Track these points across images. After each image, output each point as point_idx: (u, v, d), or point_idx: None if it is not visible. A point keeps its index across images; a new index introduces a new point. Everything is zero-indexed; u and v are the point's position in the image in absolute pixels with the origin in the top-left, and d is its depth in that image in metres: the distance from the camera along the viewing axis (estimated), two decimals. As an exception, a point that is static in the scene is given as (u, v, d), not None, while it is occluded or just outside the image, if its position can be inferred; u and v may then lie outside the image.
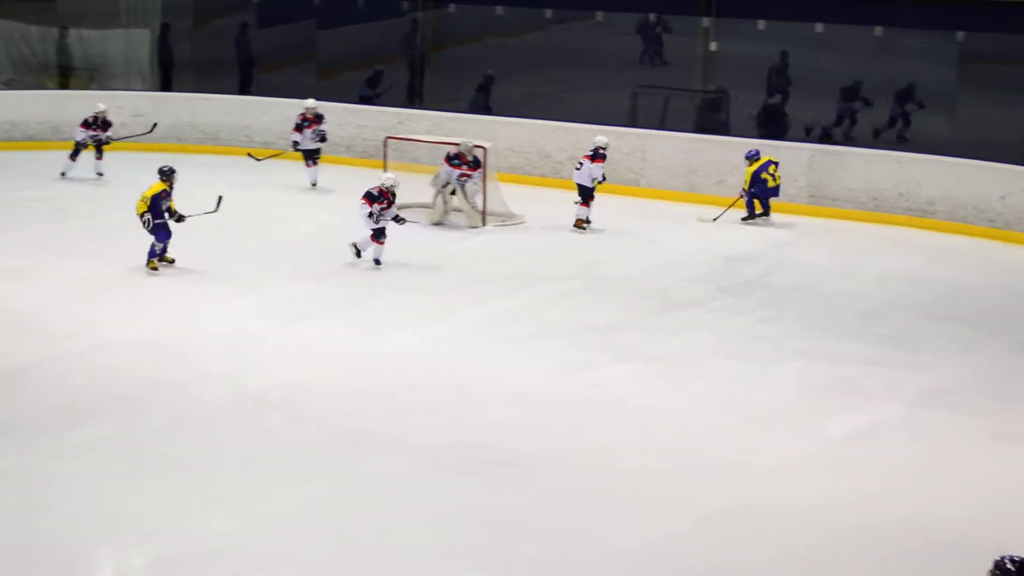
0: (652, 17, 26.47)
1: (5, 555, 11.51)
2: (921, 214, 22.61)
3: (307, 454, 13.60)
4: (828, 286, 19.26)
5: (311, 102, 24.94)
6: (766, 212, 22.73)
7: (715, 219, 22.69)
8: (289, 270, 19.72)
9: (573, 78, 27.12)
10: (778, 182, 22.56)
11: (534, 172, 25.42)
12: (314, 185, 24.96)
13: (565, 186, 24.79)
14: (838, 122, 25.13)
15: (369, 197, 19.86)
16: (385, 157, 23.20)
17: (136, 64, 29.48)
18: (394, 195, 20.04)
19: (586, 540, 11.89)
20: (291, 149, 25.02)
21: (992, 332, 17.65)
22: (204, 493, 12.71)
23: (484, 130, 25.49)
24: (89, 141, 25.14)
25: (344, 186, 23.93)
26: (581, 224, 22.15)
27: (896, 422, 14.71)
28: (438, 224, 22.16)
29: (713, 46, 26.07)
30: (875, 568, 11.60)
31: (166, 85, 29.48)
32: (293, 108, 27.26)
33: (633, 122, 26.08)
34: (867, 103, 24.91)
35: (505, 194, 22.75)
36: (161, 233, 19.29)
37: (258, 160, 25.18)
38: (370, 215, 19.84)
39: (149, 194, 19.08)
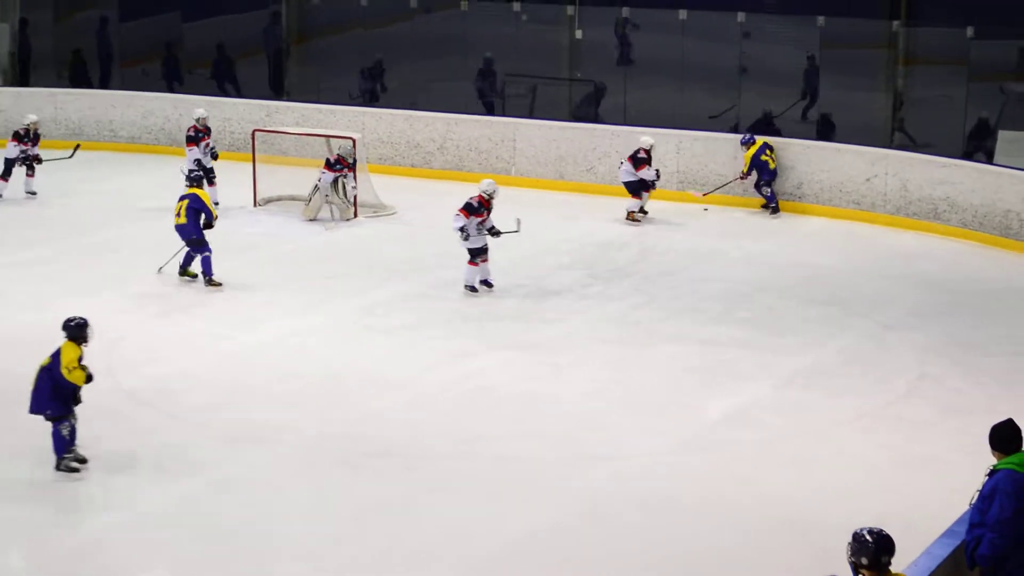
0: (516, 6, 26.47)
1: None
2: (788, 197, 22.87)
3: (183, 449, 13.52)
4: (697, 270, 19.46)
5: (202, 112, 23.50)
6: (774, 204, 22.90)
7: (705, 194, 22.85)
8: (156, 264, 19.51)
9: (440, 67, 27.10)
10: (775, 165, 22.70)
11: (403, 162, 25.37)
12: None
13: (435, 176, 24.85)
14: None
15: (468, 209, 18.15)
16: (253, 150, 23.04)
17: (-5, 59, 29.01)
18: (492, 203, 18.39)
19: (464, 528, 11.95)
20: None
21: (857, 313, 17.92)
22: (78, 492, 12.60)
23: (352, 121, 25.43)
24: (20, 156, 23.37)
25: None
26: (633, 216, 22.22)
27: (767, 403, 14.92)
28: (312, 220, 22.01)
29: (579, 34, 26.17)
30: (747, 546, 11.77)
31: (25, 80, 29.01)
32: (157, 102, 27.07)
33: (502, 111, 26.12)
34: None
35: (375, 185, 22.70)
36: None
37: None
38: (462, 230, 18.16)
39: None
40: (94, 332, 13.12)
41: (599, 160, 23.89)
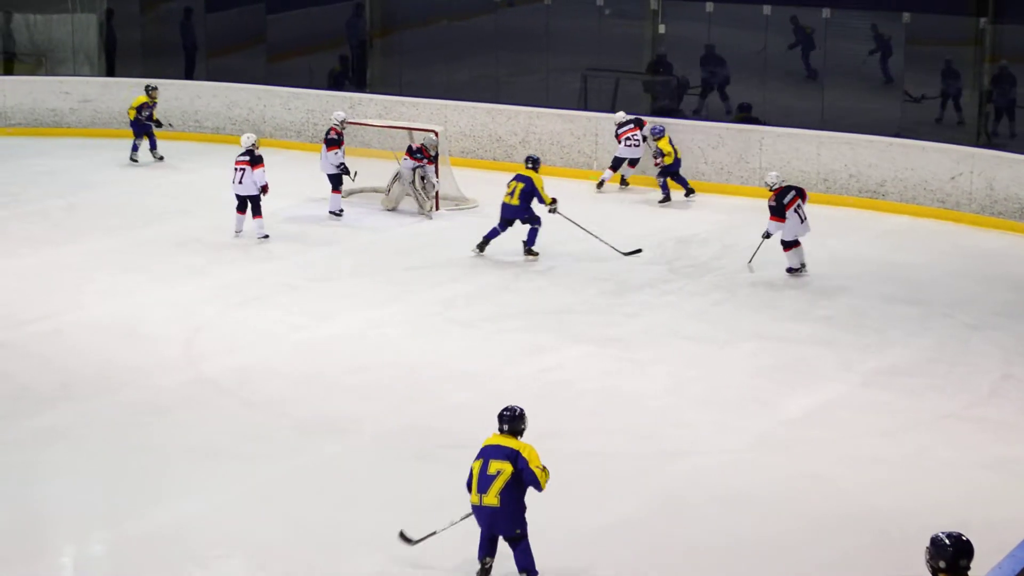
0: (600, 0, 26.42)
1: (-41, 543, 11.49)
2: (872, 195, 22.70)
3: (261, 439, 13.61)
4: (779, 268, 19.32)
5: (342, 113, 22.75)
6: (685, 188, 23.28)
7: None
8: (238, 255, 19.66)
9: (523, 61, 27.10)
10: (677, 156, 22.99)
11: (486, 156, 25.39)
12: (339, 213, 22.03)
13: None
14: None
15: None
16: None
17: (84, 49, 29.26)
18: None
19: (540, 523, 11.91)
20: (346, 173, 21.77)
21: (940, 312, 17.74)
22: (160, 478, 12.72)
23: (436, 114, 25.48)
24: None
25: (294, 171, 23.88)
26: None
27: (847, 402, 14.81)
28: (392, 210, 22.08)
29: (662, 28, 26.08)
30: (825, 546, 11.71)
31: (112, 70, 29.27)
32: (241, 93, 27.22)
33: (584, 105, 26.07)
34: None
35: (457, 178, 22.73)
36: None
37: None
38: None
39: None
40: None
41: (684, 155, 23.77)
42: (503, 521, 10.68)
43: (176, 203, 22.61)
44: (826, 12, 24.53)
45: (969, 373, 15.65)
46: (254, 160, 20.02)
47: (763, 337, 16.69)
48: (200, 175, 24.67)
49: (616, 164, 23.51)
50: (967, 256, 20.41)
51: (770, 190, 19.14)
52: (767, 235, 19.05)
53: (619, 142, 23.47)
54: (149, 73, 28.51)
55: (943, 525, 8.35)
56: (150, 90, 25.27)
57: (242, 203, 20.20)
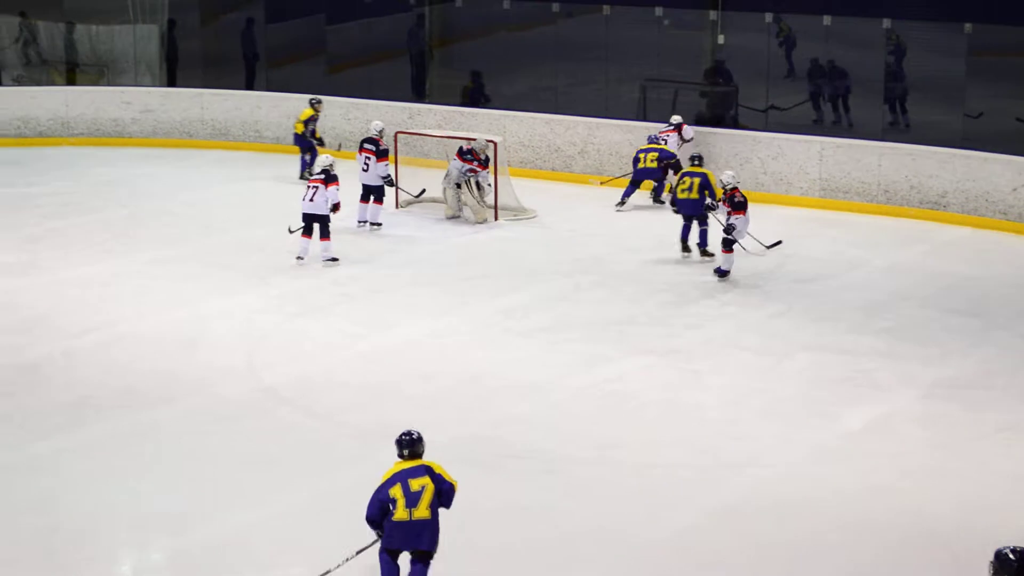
0: (659, 11, 26.39)
1: (21, 550, 11.60)
2: (933, 206, 22.59)
3: (322, 448, 13.68)
4: (839, 279, 19.26)
5: (380, 124, 22.71)
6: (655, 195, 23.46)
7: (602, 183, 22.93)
8: (297, 264, 19.72)
9: (581, 71, 27.12)
10: (646, 164, 22.99)
11: (544, 166, 25.42)
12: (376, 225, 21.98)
13: (575, 180, 24.86)
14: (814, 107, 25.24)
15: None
16: (396, 152, 23.18)
17: (145, 59, 29.48)
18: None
19: (600, 533, 11.94)
20: (391, 184, 22.14)
21: (1000, 325, 17.62)
22: (221, 487, 12.79)
23: (494, 124, 25.52)
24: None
25: (350, 180, 23.95)
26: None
27: (907, 415, 14.73)
28: (453, 217, 22.15)
29: (721, 39, 26.04)
30: (886, 559, 11.65)
31: (173, 81, 29.47)
32: (301, 103, 27.30)
33: (643, 116, 26.05)
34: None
35: (516, 188, 22.76)
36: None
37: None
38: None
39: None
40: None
41: (741, 166, 23.70)
42: (430, 534, 10.69)
43: (237, 213, 22.74)
44: (887, 23, 24.41)
45: (1030, 386, 15.58)
46: (328, 179, 19.71)
47: (822, 349, 16.63)
48: (260, 185, 24.80)
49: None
50: (1029, 268, 20.31)
51: (726, 191, 19.31)
52: (731, 228, 19.18)
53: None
54: (209, 83, 28.70)
55: (1006, 539, 8.31)
56: (315, 103, 25.07)
57: (308, 226, 19.72)
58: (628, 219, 22.55)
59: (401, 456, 10.81)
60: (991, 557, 8.04)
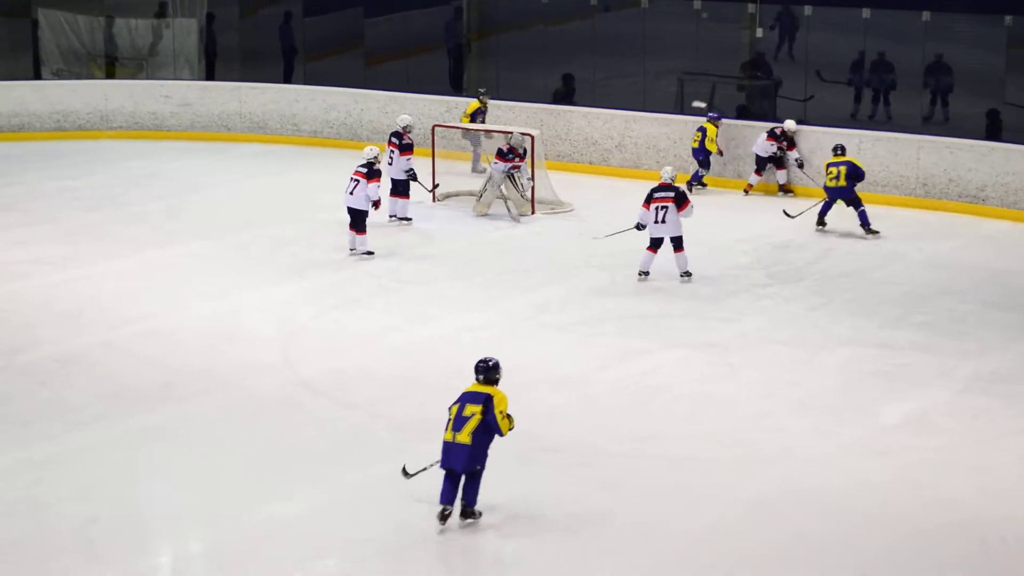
0: (697, 4, 26.33)
1: (61, 541, 11.65)
2: (971, 200, 22.49)
3: (358, 440, 13.71)
4: (876, 273, 19.20)
5: (408, 118, 22.61)
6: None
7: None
8: (333, 257, 19.78)
9: (619, 65, 27.08)
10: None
11: (581, 160, 25.41)
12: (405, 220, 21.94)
13: (612, 173, 24.86)
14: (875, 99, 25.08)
15: None
16: (433, 145, 23.20)
17: (184, 53, 29.58)
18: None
19: (634, 526, 11.93)
20: (414, 179, 21.85)
21: (1041, 318, 17.61)
22: (256, 479, 12.81)
23: (531, 118, 25.51)
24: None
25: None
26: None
27: (945, 409, 14.67)
28: (483, 216, 22.12)
29: (759, 32, 25.98)
30: (921, 552, 11.61)
31: (211, 74, 29.57)
32: (339, 96, 27.41)
33: (680, 109, 26.01)
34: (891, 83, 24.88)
35: (553, 181, 22.75)
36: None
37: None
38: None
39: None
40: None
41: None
42: (468, 458, 11.71)
43: (274, 206, 22.80)
44: (926, 15, 24.29)
45: (1069, 381, 15.49)
46: (371, 174, 19.66)
47: (860, 343, 16.57)
48: (297, 178, 24.89)
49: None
50: (1068, 262, 20.19)
51: (672, 183, 18.92)
52: (640, 227, 18.96)
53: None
54: (247, 77, 28.81)
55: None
56: (482, 95, 25.05)
57: (353, 218, 19.86)
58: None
59: (477, 380, 11.99)
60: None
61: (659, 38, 26.68)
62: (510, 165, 22.01)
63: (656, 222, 18.60)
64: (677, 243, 18.75)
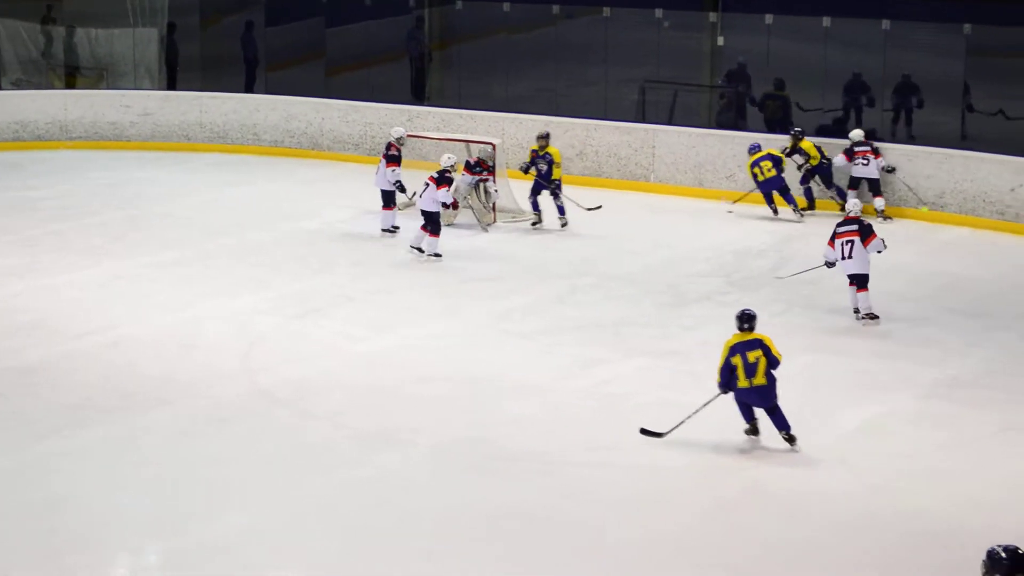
0: (659, 13, 26.39)
1: (18, 552, 11.59)
2: (931, 207, 22.59)
3: (319, 450, 13.65)
4: (836, 280, 19.21)
5: (401, 130, 22.39)
6: (770, 206, 22.87)
7: (730, 211, 22.82)
8: (295, 267, 19.76)
9: (581, 73, 27.12)
10: (768, 175, 22.59)
11: (543, 168, 25.40)
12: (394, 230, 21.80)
13: (574, 182, 24.82)
14: (844, 116, 25.07)
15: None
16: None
17: (144, 63, 29.50)
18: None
19: (598, 534, 11.93)
20: (402, 191, 21.74)
21: (1000, 325, 17.64)
22: (218, 490, 12.77)
23: (493, 126, 25.52)
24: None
25: (351, 184, 24.01)
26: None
27: (906, 415, 14.72)
28: (448, 225, 22.08)
29: (720, 40, 26.05)
30: (883, 559, 11.62)
31: (172, 84, 29.50)
32: (300, 106, 27.36)
33: (642, 117, 26.05)
34: (869, 100, 24.84)
35: (514, 190, 22.75)
36: None
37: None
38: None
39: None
40: None
41: (739, 167, 23.70)
42: (768, 395, 13.53)
43: (235, 216, 22.75)
44: (886, 24, 24.41)
45: (1030, 386, 15.57)
46: (441, 180, 20.18)
47: (820, 350, 16.62)
48: (259, 188, 24.86)
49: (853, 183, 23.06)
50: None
51: (858, 216, 17.97)
52: (830, 264, 18.04)
53: (849, 161, 23.02)
54: (208, 86, 28.77)
55: (1003, 539, 8.30)
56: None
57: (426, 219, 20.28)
58: (625, 221, 22.53)
59: (741, 329, 13.60)
60: (984, 557, 8.04)
61: (621, 46, 26.73)
62: (477, 178, 22.02)
63: (844, 258, 17.68)
64: (861, 281, 17.68)
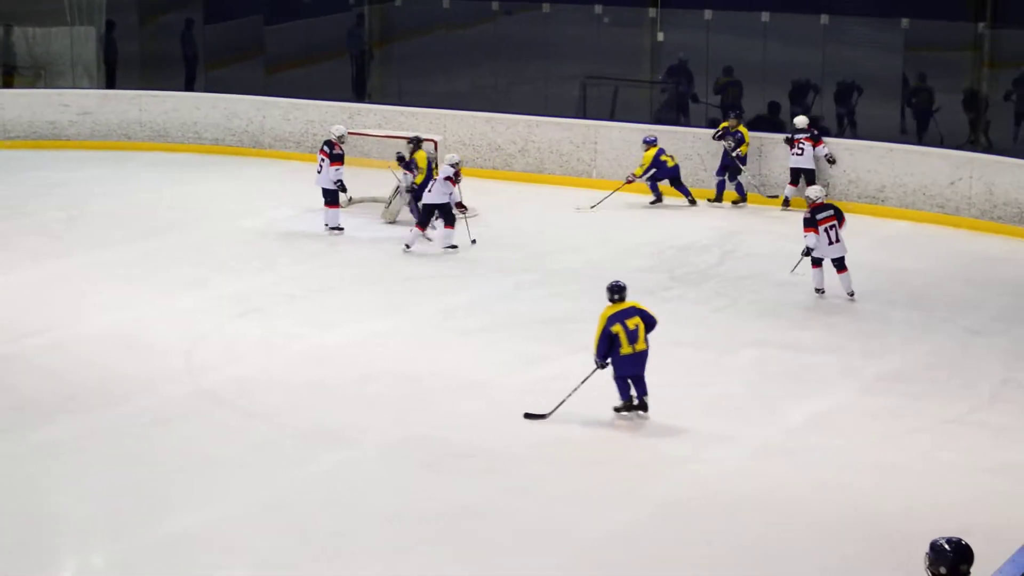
0: (598, 9, 26.41)
1: (-38, 557, 11.48)
2: (871, 201, 22.71)
3: (264, 449, 13.60)
4: (779, 274, 19.31)
5: (342, 128, 22.31)
6: (687, 196, 23.26)
7: (593, 207, 22.82)
8: (237, 265, 19.67)
9: (521, 70, 27.11)
10: (675, 162, 22.94)
11: (484, 165, 25.38)
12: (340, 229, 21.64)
13: (516, 178, 24.85)
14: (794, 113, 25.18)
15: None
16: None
17: (82, 62, 29.27)
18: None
19: (543, 532, 11.92)
20: (343, 190, 21.56)
21: (941, 318, 17.75)
22: (161, 490, 12.69)
23: (434, 123, 25.47)
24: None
25: (292, 182, 23.91)
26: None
27: (851, 408, 14.79)
28: (391, 223, 22.04)
29: (660, 36, 26.08)
30: (828, 553, 11.67)
31: (111, 82, 29.28)
32: (240, 104, 27.21)
33: (583, 113, 26.08)
34: (815, 90, 24.92)
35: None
36: None
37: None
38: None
39: None
40: None
41: (680, 163, 23.73)
42: (645, 361, 14.16)
43: (176, 215, 22.61)
44: (824, 19, 24.52)
45: (970, 378, 15.65)
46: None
47: (765, 344, 16.68)
48: (200, 186, 24.70)
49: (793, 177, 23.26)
50: (967, 261, 20.42)
51: (809, 204, 18.55)
52: (809, 251, 18.42)
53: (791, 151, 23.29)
54: (148, 85, 28.54)
55: (946, 530, 8.33)
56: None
57: (438, 212, 20.54)
58: (569, 218, 22.55)
59: (612, 301, 14.23)
60: (928, 549, 8.06)
61: (561, 43, 26.74)
62: (413, 176, 21.94)
63: (831, 243, 18.16)
64: (842, 263, 18.31)
